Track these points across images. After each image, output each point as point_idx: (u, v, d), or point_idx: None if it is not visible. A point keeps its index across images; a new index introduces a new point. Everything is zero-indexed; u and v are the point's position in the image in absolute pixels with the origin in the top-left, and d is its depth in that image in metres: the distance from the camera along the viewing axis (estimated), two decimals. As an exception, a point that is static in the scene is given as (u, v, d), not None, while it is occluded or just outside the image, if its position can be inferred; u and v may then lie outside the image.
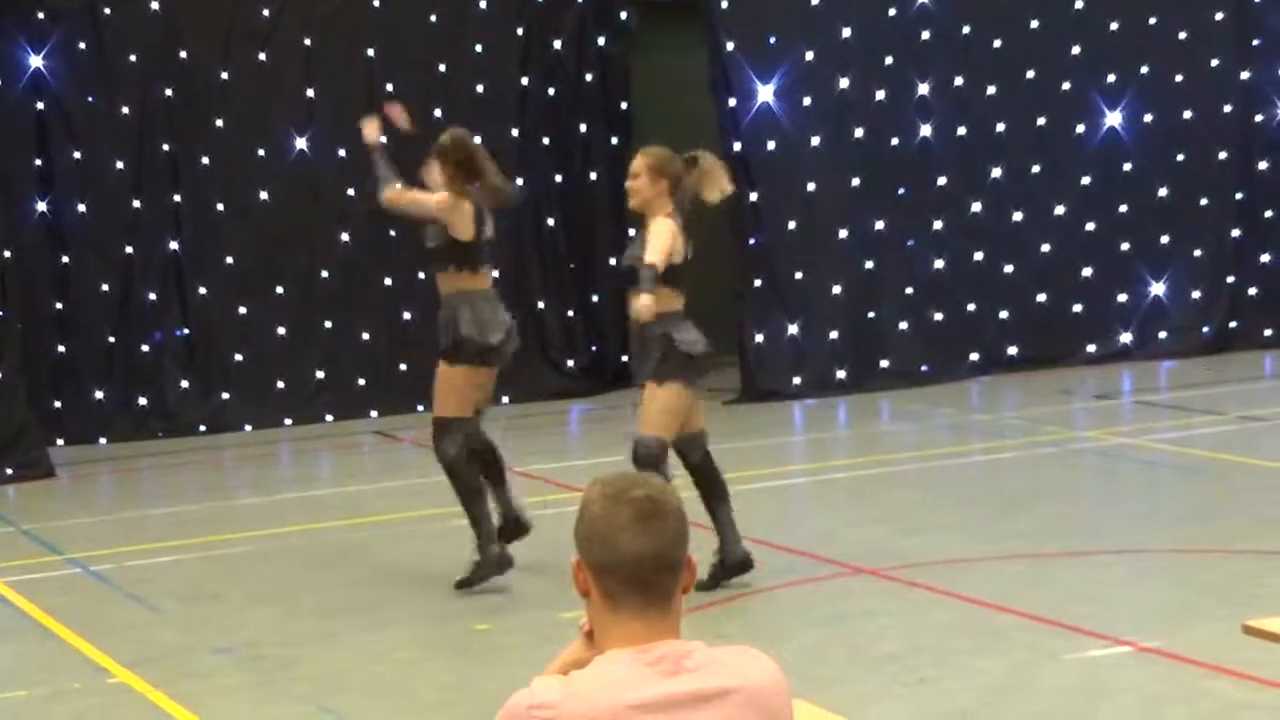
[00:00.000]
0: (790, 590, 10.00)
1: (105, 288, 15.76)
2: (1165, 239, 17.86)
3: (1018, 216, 17.47)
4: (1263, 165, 18.11)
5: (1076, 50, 17.48)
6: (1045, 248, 17.56)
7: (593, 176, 17.20)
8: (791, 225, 16.67)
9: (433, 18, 16.61)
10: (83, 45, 15.58)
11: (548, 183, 16.98)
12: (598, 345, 17.23)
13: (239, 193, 16.07)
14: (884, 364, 16.95)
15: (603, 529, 3.32)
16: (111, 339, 15.81)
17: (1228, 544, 10.50)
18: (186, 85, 15.91)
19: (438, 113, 16.61)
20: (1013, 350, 17.45)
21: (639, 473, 3.46)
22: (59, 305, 15.71)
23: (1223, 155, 17.97)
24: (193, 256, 16.03)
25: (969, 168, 17.27)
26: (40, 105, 15.52)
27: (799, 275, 16.71)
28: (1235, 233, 18.06)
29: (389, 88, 16.46)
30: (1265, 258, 18.13)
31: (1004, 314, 17.46)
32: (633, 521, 3.30)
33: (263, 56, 16.12)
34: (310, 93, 16.27)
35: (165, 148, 15.89)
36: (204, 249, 16.05)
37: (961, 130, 17.23)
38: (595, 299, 17.21)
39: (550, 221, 16.91)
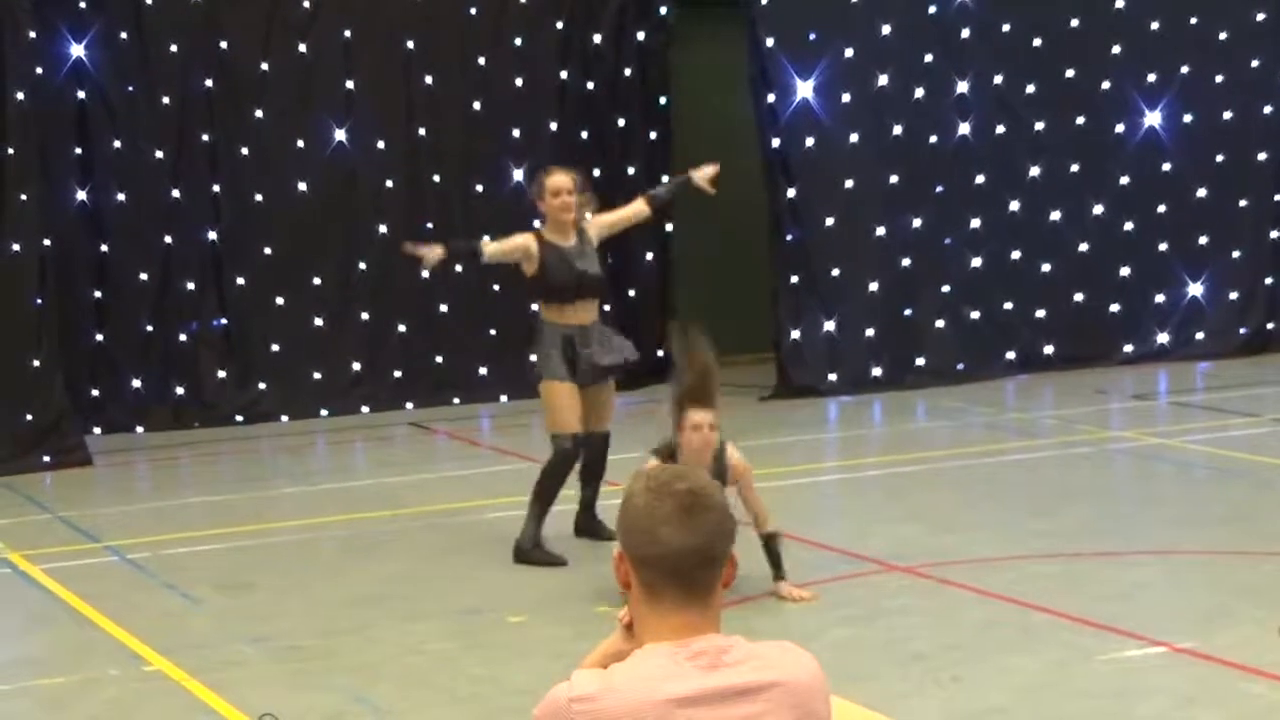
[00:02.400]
0: (824, 587, 10.00)
1: (144, 277, 15.82)
2: (1203, 239, 17.82)
3: (1055, 215, 17.44)
4: (1302, 167, 18.08)
5: (1116, 50, 17.45)
6: (1083, 247, 17.53)
7: (630, 171, 17.21)
8: (829, 222, 16.67)
9: (472, 10, 16.64)
10: (124, 35, 15.64)
11: (585, 177, 16.96)
12: (635, 340, 17.19)
13: (277, 183, 16.12)
14: (920, 361, 16.95)
15: (645, 521, 3.32)
16: (149, 328, 15.87)
17: (1263, 546, 10.47)
18: (226, 76, 15.96)
19: (476, 105, 16.67)
20: (1049, 349, 17.42)
21: (684, 466, 3.46)
22: (97, 294, 15.77)
23: (1262, 156, 17.92)
24: (231, 247, 16.08)
25: (1007, 166, 17.24)
26: (81, 94, 15.58)
27: (836, 272, 16.70)
28: (1274, 234, 18.02)
29: (428, 80, 16.51)
30: (1304, 259, 18.10)
31: (1041, 313, 17.44)
32: (675, 514, 3.31)
33: (302, 48, 16.17)
34: (349, 84, 16.31)
35: (205, 138, 15.95)
36: (242, 239, 16.10)
37: (1000, 129, 17.20)
38: (632, 294, 17.22)
39: (588, 216, 16.89)
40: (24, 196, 14.56)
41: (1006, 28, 17.13)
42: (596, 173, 17.12)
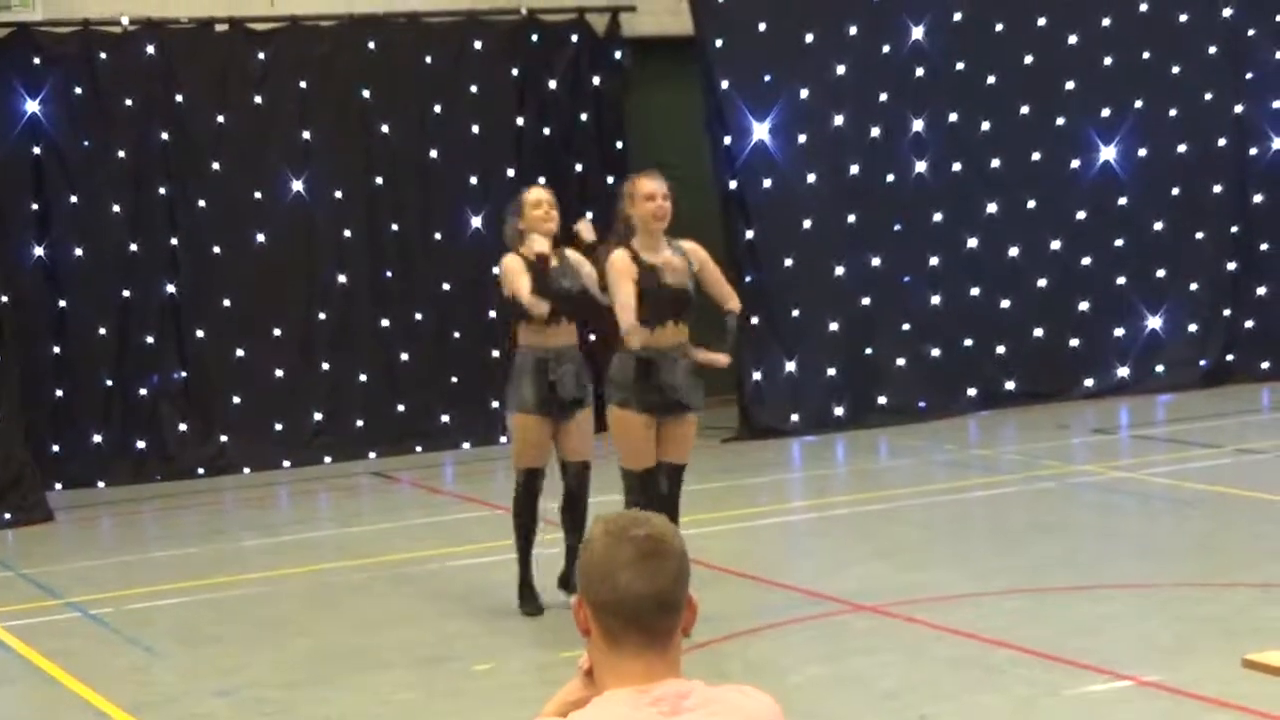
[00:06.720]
0: (790, 628, 9.99)
1: (102, 331, 15.77)
2: (1161, 273, 17.88)
3: (1014, 251, 17.49)
4: (1258, 198, 18.15)
5: (1071, 85, 17.52)
6: (1042, 282, 17.58)
7: (589, 215, 17.18)
8: (788, 262, 16.68)
9: (428, 59, 16.65)
10: (79, 90, 15.63)
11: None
12: (596, 382, 17.19)
13: (236, 235, 16.10)
14: (882, 400, 16.96)
15: (604, 567, 3.31)
16: (109, 382, 15.82)
17: (1227, 577, 10.49)
18: (182, 128, 15.95)
19: (433, 154, 16.67)
20: (1010, 385, 17.46)
21: (642, 511, 3.44)
22: (56, 349, 15.72)
23: (1217, 189, 18.00)
24: (190, 299, 16.04)
25: (964, 203, 17.29)
26: (37, 150, 15.56)
27: (796, 312, 16.72)
28: (1231, 266, 18.08)
29: (384, 129, 16.51)
30: (1261, 290, 18.14)
31: (1001, 349, 17.47)
32: (634, 560, 3.29)
33: (258, 99, 16.16)
34: (306, 135, 16.30)
35: (162, 191, 15.92)
36: (201, 291, 16.06)
37: (956, 166, 17.26)
38: (593, 337, 17.19)
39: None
40: (-19, 253, 14.53)
41: (960, 66, 17.20)
42: (555, 218, 17.15)
